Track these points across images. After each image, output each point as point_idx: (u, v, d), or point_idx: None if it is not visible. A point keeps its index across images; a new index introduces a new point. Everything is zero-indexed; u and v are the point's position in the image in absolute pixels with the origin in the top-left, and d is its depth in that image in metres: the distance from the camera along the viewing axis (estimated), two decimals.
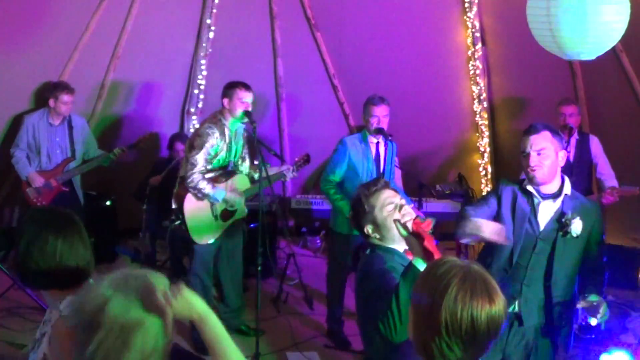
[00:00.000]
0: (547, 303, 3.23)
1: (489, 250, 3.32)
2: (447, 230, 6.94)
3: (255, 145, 4.73)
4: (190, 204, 4.76)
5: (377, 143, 4.90)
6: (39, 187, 5.65)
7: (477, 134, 7.10)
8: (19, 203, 6.24)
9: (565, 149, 5.30)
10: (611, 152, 5.61)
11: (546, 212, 3.23)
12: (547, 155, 3.14)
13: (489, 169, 7.15)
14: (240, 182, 4.93)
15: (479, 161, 7.15)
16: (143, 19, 6.41)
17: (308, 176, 7.46)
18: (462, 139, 7.23)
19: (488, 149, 7.11)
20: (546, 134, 3.16)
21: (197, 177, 4.64)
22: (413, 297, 1.76)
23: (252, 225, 5.74)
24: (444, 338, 1.64)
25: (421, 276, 1.79)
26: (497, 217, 3.27)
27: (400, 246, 2.60)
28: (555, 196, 3.21)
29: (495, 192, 3.36)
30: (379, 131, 4.78)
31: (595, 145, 5.53)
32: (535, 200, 3.23)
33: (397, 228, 2.40)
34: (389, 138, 4.78)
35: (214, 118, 4.79)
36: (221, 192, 4.72)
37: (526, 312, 3.22)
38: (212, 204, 4.79)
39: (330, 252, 5.38)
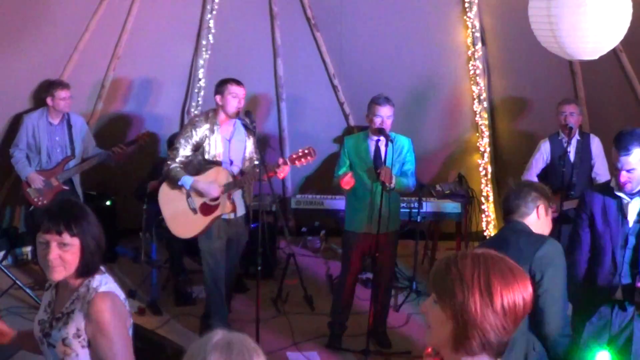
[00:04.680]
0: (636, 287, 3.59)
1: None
2: (447, 230, 7.00)
3: (256, 146, 4.73)
4: (164, 193, 4.89)
5: (378, 141, 4.87)
6: (39, 187, 5.65)
7: (477, 134, 7.10)
8: (19, 203, 6.24)
9: (566, 149, 5.36)
10: (611, 152, 5.59)
11: (634, 209, 3.55)
12: (636, 172, 3.49)
13: (489, 169, 7.14)
14: (220, 175, 4.84)
15: (479, 161, 7.14)
16: (143, 19, 6.41)
17: (308, 176, 7.46)
18: (462, 139, 7.23)
19: (488, 149, 7.10)
20: (636, 154, 3.46)
21: (172, 162, 4.80)
22: (450, 301, 1.68)
23: (252, 226, 5.73)
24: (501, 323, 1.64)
25: (452, 280, 1.69)
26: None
27: None
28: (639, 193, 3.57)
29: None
30: (380, 131, 4.77)
31: (596, 145, 5.52)
32: (624, 201, 3.56)
33: None
34: (391, 140, 4.72)
35: (206, 112, 4.90)
36: (189, 179, 4.76)
37: (626, 298, 3.57)
38: (187, 196, 4.82)
39: (343, 252, 5.21)
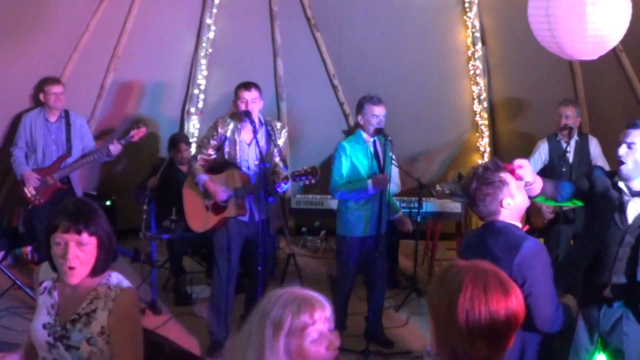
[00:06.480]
0: (633, 288, 3.39)
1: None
2: (447, 230, 7.00)
3: (259, 146, 4.69)
4: (187, 188, 5.10)
5: (374, 141, 4.86)
6: (35, 185, 5.65)
7: (477, 134, 7.10)
8: (19, 203, 6.23)
9: (565, 149, 5.36)
10: (611, 152, 5.58)
11: (634, 209, 3.39)
12: (636, 150, 3.34)
13: None
14: (233, 178, 4.84)
15: (479, 161, 7.14)
16: (143, 19, 6.41)
17: None
18: (462, 139, 7.23)
19: (488, 149, 7.11)
20: None
21: (194, 160, 4.96)
22: (430, 305, 1.83)
23: None
24: (466, 338, 1.71)
25: (434, 284, 1.86)
26: (589, 198, 3.52)
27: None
28: None
29: (589, 176, 3.59)
30: (378, 131, 4.77)
31: (595, 146, 5.52)
32: (625, 198, 3.40)
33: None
34: (389, 139, 4.71)
35: (230, 114, 4.92)
36: (202, 177, 4.87)
37: (615, 296, 3.44)
38: (203, 193, 4.90)
39: (339, 257, 5.10)
